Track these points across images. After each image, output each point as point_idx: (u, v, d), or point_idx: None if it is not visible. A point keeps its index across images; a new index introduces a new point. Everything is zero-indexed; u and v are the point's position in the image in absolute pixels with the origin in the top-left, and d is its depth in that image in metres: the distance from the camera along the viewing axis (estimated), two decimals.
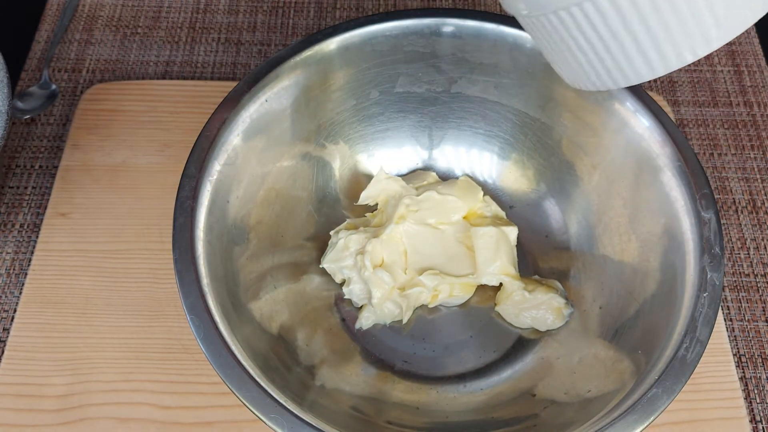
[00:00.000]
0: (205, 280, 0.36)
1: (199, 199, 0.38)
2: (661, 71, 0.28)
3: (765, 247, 0.50)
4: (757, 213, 0.52)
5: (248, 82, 0.42)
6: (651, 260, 0.40)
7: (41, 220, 0.50)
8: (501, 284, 0.45)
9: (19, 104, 0.54)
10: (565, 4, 0.27)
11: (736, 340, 0.47)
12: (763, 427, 0.44)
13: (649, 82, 0.58)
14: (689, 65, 0.59)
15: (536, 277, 0.46)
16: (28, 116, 0.54)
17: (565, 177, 0.47)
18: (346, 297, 0.45)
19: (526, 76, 0.45)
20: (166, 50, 0.59)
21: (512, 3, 0.30)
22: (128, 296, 0.46)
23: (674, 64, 0.28)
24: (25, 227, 0.50)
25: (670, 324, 0.36)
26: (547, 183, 0.48)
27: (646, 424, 0.33)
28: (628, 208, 0.43)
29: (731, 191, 0.53)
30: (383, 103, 0.47)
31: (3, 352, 0.45)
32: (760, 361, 0.46)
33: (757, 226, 0.51)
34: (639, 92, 0.41)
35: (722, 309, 0.48)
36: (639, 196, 0.42)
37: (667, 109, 0.56)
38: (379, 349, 0.44)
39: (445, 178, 0.50)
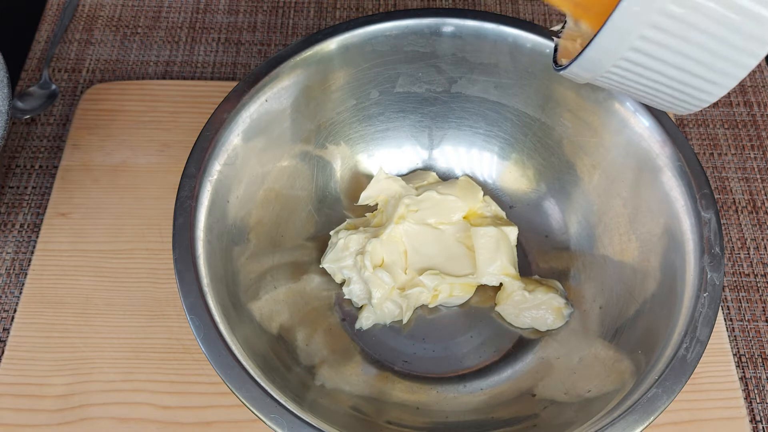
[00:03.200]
0: (205, 280, 0.36)
1: (199, 199, 0.38)
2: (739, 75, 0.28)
3: (765, 247, 0.50)
4: (757, 213, 0.52)
5: (248, 82, 0.42)
6: (651, 260, 0.40)
7: (41, 220, 0.50)
8: (501, 284, 0.45)
9: (19, 104, 0.54)
10: (614, 57, 0.27)
11: (736, 340, 0.47)
12: (763, 427, 0.44)
13: None
14: None
15: (536, 277, 0.46)
16: (28, 116, 0.54)
17: (565, 177, 0.47)
18: (346, 297, 0.45)
19: (526, 76, 0.45)
20: (166, 50, 0.59)
21: (574, 75, 0.30)
22: (128, 296, 0.46)
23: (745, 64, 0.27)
24: (25, 227, 0.50)
25: (670, 324, 0.36)
26: (547, 183, 0.48)
27: (646, 424, 0.33)
28: (628, 208, 0.43)
29: (731, 191, 0.53)
30: (383, 103, 0.47)
31: (3, 352, 0.45)
32: (760, 361, 0.46)
33: (757, 226, 0.51)
34: None
35: (722, 309, 0.48)
36: (639, 196, 0.42)
37: None
38: (379, 349, 0.44)
39: (445, 178, 0.50)
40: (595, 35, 0.27)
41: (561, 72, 0.30)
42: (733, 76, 0.27)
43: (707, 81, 0.28)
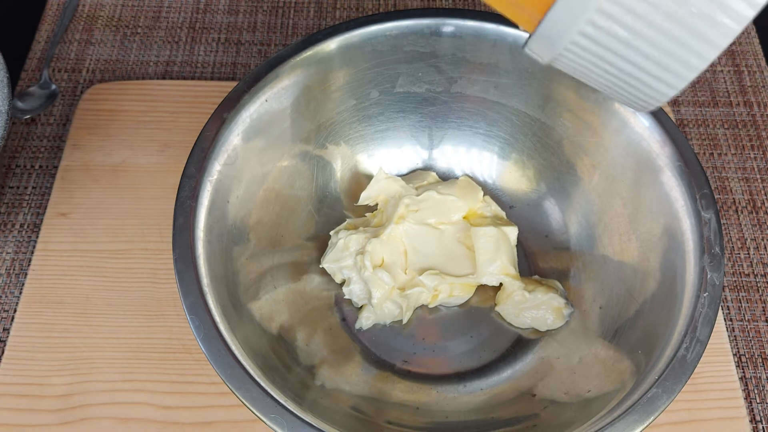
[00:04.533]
0: (205, 280, 0.36)
1: (199, 199, 0.38)
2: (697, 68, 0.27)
3: (765, 247, 0.50)
4: (757, 213, 0.52)
5: (248, 82, 0.42)
6: (651, 260, 0.40)
7: (41, 220, 0.50)
8: (501, 284, 0.45)
9: (19, 104, 0.54)
10: (570, 34, 0.27)
11: (736, 340, 0.47)
12: (763, 427, 0.44)
13: None
14: None
15: (536, 277, 0.46)
16: (28, 116, 0.54)
17: (565, 177, 0.47)
18: (346, 297, 0.45)
19: (526, 76, 0.45)
20: (166, 50, 0.59)
21: (535, 54, 0.30)
22: (128, 296, 0.46)
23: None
24: (25, 227, 0.50)
25: (670, 324, 0.36)
26: (547, 183, 0.48)
27: (646, 424, 0.33)
28: (628, 208, 0.43)
29: (731, 191, 0.53)
30: (383, 103, 0.47)
31: (3, 352, 0.45)
32: (760, 361, 0.46)
33: (757, 226, 0.51)
34: None
35: (722, 309, 0.48)
36: (639, 196, 0.42)
37: (667, 109, 0.56)
38: (379, 349, 0.44)
39: (445, 178, 0.50)
40: (546, 12, 0.27)
41: (525, 49, 0.31)
42: (682, 76, 0.27)
43: (654, 77, 0.27)
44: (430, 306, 0.45)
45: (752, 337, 0.47)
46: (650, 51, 0.26)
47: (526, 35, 0.39)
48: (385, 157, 0.49)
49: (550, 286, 0.45)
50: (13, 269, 0.48)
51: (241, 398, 0.33)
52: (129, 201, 0.50)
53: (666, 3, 0.25)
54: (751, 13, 0.24)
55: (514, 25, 0.43)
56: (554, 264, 0.47)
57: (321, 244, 0.47)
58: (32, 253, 0.48)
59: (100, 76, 0.57)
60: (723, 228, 0.49)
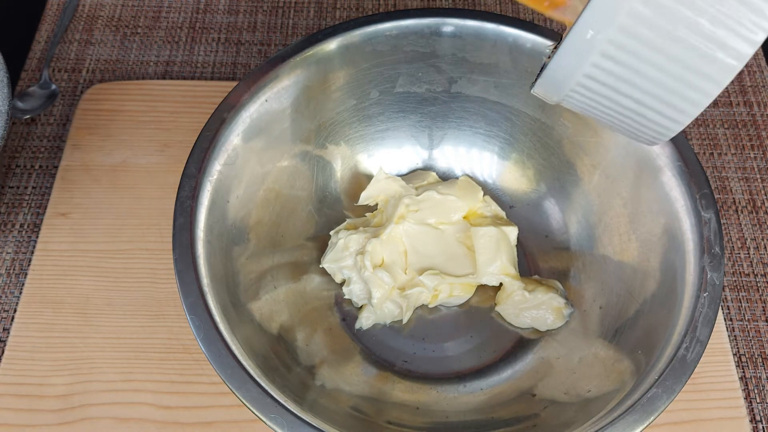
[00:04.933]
0: (205, 280, 0.36)
1: (199, 199, 0.38)
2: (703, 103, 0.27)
3: (765, 247, 0.50)
4: (757, 213, 0.52)
5: (248, 82, 0.42)
6: (651, 260, 0.40)
7: (41, 220, 0.50)
8: (501, 284, 0.45)
9: (19, 104, 0.54)
10: (577, 75, 0.27)
11: (736, 340, 0.47)
12: (763, 427, 0.44)
13: None
14: None
15: (536, 277, 0.46)
16: (28, 116, 0.54)
17: (565, 177, 0.47)
18: (346, 297, 0.45)
19: (526, 76, 0.45)
20: (166, 50, 0.59)
21: (542, 95, 0.30)
22: (128, 296, 0.46)
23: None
24: (25, 227, 0.50)
25: (670, 324, 0.36)
26: (547, 183, 0.48)
27: (646, 424, 0.33)
28: (628, 208, 0.43)
29: (731, 191, 0.53)
30: (383, 103, 0.47)
31: (3, 352, 0.45)
32: (760, 361, 0.46)
33: (757, 226, 0.51)
34: None
35: (722, 309, 0.48)
36: (639, 196, 0.42)
37: None
38: (379, 349, 0.44)
39: (445, 178, 0.50)
40: (553, 55, 0.27)
41: (532, 91, 0.31)
42: (687, 113, 0.27)
43: (661, 114, 0.28)
44: (430, 306, 0.45)
45: (752, 337, 0.47)
46: (655, 90, 0.27)
47: (534, 70, 0.39)
48: (385, 157, 0.49)
49: (550, 286, 0.45)
50: (13, 269, 0.48)
51: (241, 398, 0.33)
52: (129, 201, 0.50)
53: (668, 45, 0.25)
54: (750, 51, 0.25)
55: (514, 25, 0.43)
56: (554, 264, 0.47)
57: (321, 244, 0.47)
58: (32, 253, 0.48)
59: (100, 76, 0.57)
60: (723, 228, 0.49)
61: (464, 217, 0.46)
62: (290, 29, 0.60)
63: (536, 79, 0.29)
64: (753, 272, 0.49)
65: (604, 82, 0.27)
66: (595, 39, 0.25)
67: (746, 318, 0.48)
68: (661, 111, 0.27)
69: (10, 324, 0.46)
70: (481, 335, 0.45)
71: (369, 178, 0.48)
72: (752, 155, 0.54)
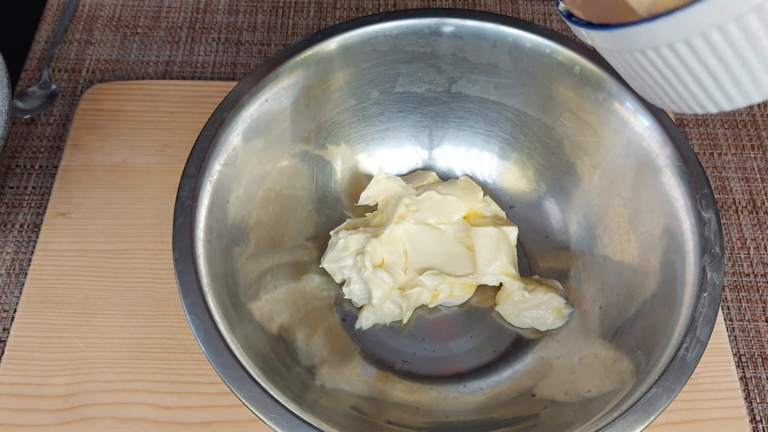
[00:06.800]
0: (205, 280, 0.36)
1: (199, 199, 0.38)
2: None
3: (765, 247, 0.50)
4: (757, 213, 0.52)
5: (248, 82, 0.42)
6: (651, 260, 0.40)
7: (41, 220, 0.50)
8: (501, 284, 0.45)
9: (19, 104, 0.54)
10: (670, 39, 0.26)
11: (736, 340, 0.47)
12: (763, 427, 0.44)
13: None
14: None
15: (536, 277, 0.46)
16: (28, 116, 0.54)
17: (565, 177, 0.47)
18: (346, 297, 0.45)
19: (526, 76, 0.45)
20: (166, 50, 0.59)
21: (587, 37, 0.29)
22: (128, 296, 0.46)
23: None
24: (25, 227, 0.50)
25: (670, 324, 0.36)
26: (547, 183, 0.48)
27: (646, 424, 0.33)
28: (628, 208, 0.43)
29: (731, 191, 0.53)
30: (383, 103, 0.47)
31: (3, 352, 0.45)
32: (760, 361, 0.46)
33: (757, 226, 0.51)
34: None
35: (722, 309, 0.48)
36: (639, 196, 0.42)
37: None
38: (379, 349, 0.44)
39: (445, 178, 0.50)
40: (650, 17, 0.25)
41: (578, 27, 0.29)
42: (755, 95, 0.27)
43: (726, 93, 0.28)
44: (430, 306, 0.45)
45: (752, 337, 0.47)
46: (748, 70, 0.26)
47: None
48: (385, 157, 0.49)
49: (550, 286, 0.45)
50: (13, 269, 0.48)
51: (241, 398, 0.33)
52: (129, 201, 0.50)
53: (744, 46, 0.25)
54: None
55: (514, 25, 0.43)
56: (554, 264, 0.47)
57: (321, 244, 0.47)
58: (32, 253, 0.48)
59: (100, 76, 0.57)
60: (723, 228, 0.49)
61: (464, 217, 0.46)
62: (290, 29, 0.60)
63: (596, 21, 0.28)
64: (753, 272, 0.49)
65: (675, 60, 0.26)
66: (724, 10, 0.24)
67: (746, 318, 0.48)
68: (733, 88, 0.27)
69: (10, 324, 0.46)
70: (481, 335, 0.45)
71: (369, 178, 0.48)
72: (752, 155, 0.54)
